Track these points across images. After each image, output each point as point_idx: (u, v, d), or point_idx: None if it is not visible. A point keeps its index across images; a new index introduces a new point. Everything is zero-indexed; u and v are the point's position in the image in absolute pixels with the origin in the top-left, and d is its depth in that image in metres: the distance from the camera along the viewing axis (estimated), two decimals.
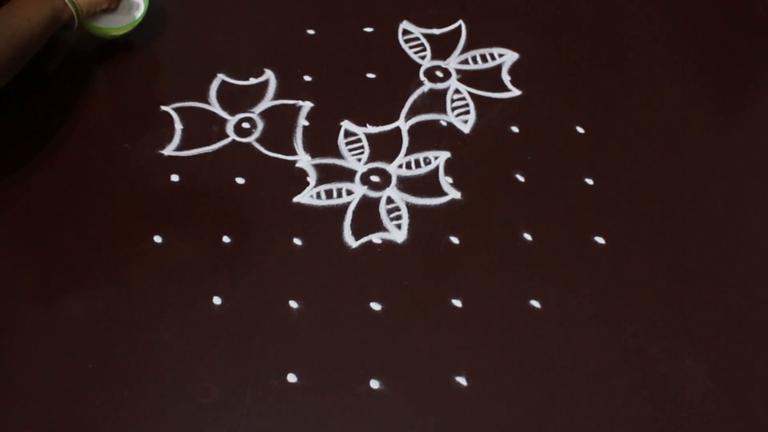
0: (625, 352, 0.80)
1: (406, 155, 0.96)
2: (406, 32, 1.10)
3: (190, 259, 0.87)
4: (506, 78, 1.04)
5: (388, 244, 0.88)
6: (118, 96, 1.03)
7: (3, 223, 0.90)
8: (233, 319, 0.82)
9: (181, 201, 0.92)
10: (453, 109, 1.01)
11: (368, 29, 1.11)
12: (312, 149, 0.97)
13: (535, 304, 0.83)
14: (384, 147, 0.97)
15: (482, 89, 1.03)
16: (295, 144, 0.97)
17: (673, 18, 1.14)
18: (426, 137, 0.98)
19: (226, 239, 0.88)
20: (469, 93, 1.03)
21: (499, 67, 1.06)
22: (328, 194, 0.92)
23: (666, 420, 0.75)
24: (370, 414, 0.76)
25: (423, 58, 1.07)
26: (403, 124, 0.99)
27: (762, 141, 0.99)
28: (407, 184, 0.93)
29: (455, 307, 0.83)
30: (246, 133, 0.98)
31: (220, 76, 1.04)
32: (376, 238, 0.88)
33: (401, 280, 0.85)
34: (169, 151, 0.96)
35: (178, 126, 0.99)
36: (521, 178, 0.94)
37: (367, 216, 0.90)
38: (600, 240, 0.88)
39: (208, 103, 1.02)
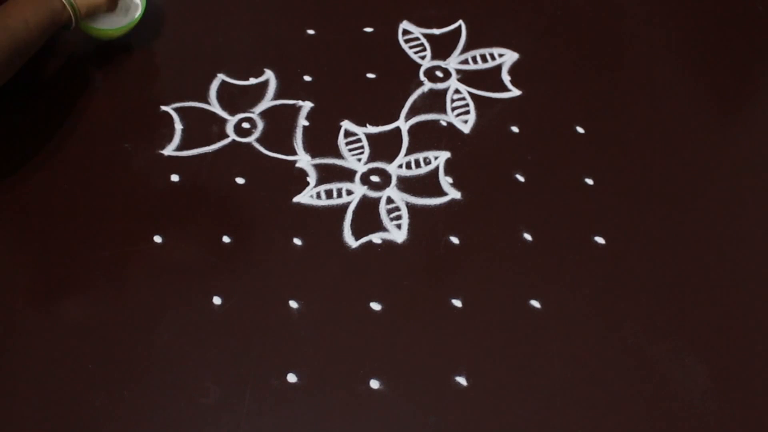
0: (625, 352, 0.80)
1: (406, 155, 0.96)
2: (406, 32, 1.10)
3: (190, 259, 0.87)
4: (506, 78, 1.04)
5: (388, 244, 0.88)
6: (118, 96, 1.03)
7: (3, 223, 0.90)
8: (233, 319, 0.82)
9: (181, 201, 0.92)
10: (453, 109, 1.01)
11: (368, 29, 1.11)
12: (312, 149, 0.97)
13: (535, 304, 0.83)
14: (384, 147, 0.97)
15: (482, 89, 1.03)
16: (295, 144, 0.97)
17: (673, 18, 1.14)
18: (426, 137, 0.98)
19: (226, 239, 0.88)
20: (469, 93, 1.02)
21: (499, 67, 1.06)
22: (328, 194, 0.92)
23: (666, 420, 0.75)
24: (370, 414, 0.76)
25: (423, 58, 1.07)
26: (403, 124, 0.99)
27: (762, 141, 0.99)
28: (407, 184, 0.93)
29: (455, 307, 0.83)
30: (246, 133, 0.98)
31: (220, 76, 1.04)
32: (376, 238, 0.88)
33: (401, 280, 0.85)
34: (169, 151, 0.96)
35: (178, 126, 0.99)
36: (521, 178, 0.94)
37: (367, 216, 0.90)
38: (600, 240, 0.88)
39: (208, 103, 1.02)
